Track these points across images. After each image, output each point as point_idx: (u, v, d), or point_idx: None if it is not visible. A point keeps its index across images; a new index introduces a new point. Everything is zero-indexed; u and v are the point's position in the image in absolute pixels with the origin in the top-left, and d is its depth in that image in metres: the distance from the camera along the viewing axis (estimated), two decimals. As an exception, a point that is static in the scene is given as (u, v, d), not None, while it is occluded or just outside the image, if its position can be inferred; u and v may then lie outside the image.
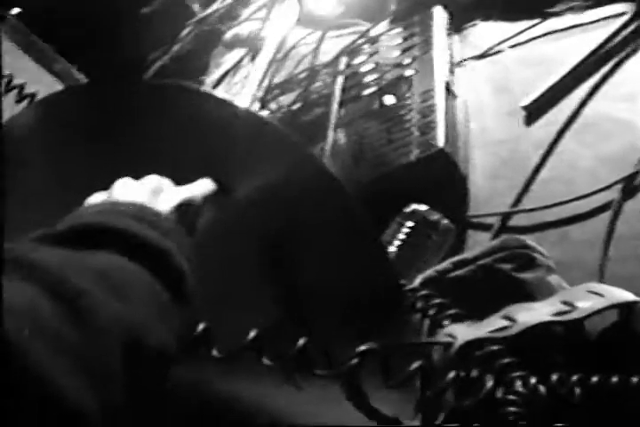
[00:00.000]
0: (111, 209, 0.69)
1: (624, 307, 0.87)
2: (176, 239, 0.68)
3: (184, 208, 0.78)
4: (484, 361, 0.82)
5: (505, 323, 0.86)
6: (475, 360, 0.83)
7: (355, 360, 0.76)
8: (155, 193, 0.77)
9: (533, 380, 0.79)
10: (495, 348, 0.82)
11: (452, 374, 0.79)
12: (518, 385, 0.79)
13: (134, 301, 0.57)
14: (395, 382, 0.78)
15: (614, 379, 0.80)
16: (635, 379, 0.79)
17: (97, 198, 0.76)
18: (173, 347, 0.60)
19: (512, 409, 0.77)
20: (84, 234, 0.62)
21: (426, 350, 0.88)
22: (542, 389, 0.79)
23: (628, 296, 0.87)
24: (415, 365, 0.78)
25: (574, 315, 0.85)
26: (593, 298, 0.88)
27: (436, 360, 0.87)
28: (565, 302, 0.88)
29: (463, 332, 0.86)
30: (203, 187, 0.86)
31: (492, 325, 0.87)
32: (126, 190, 0.76)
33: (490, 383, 0.79)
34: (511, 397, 0.78)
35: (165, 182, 0.81)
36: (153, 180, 0.80)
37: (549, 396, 0.79)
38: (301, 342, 0.77)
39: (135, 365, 0.53)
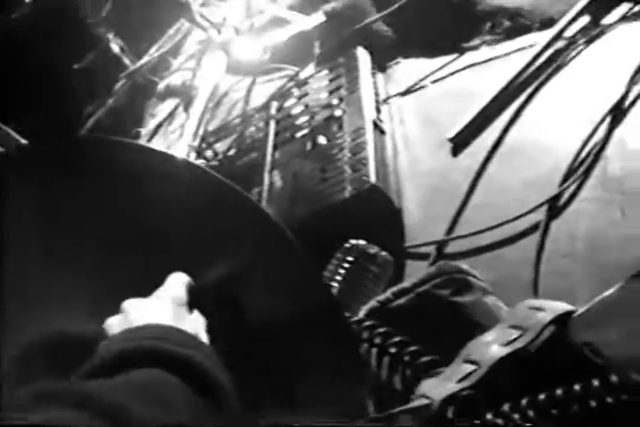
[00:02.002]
0: (147, 335, 0.75)
1: (562, 318, 0.91)
2: (204, 351, 0.75)
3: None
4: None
5: (469, 368, 0.90)
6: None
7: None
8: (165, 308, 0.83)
9: (489, 416, 0.84)
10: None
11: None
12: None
13: (173, 408, 0.65)
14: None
15: (558, 391, 0.84)
16: (576, 387, 0.83)
17: (115, 323, 0.80)
18: None
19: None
20: (133, 358, 0.70)
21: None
22: (499, 421, 0.83)
23: (565, 306, 0.92)
24: None
25: (526, 337, 0.89)
26: (536, 314, 0.92)
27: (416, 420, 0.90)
28: (514, 327, 0.92)
29: (436, 389, 0.89)
30: (178, 283, 0.88)
31: (458, 373, 0.90)
32: (140, 313, 0.81)
33: None
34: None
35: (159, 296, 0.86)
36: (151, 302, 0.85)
37: (507, 425, 0.83)
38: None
39: None
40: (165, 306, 0.82)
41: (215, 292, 0.94)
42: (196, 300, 0.88)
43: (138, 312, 0.81)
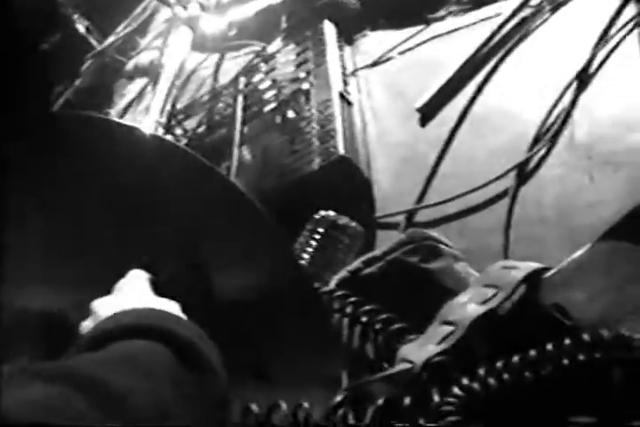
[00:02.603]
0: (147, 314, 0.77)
1: (534, 275, 0.91)
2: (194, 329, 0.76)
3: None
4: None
5: (447, 329, 0.90)
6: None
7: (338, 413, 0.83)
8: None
9: (465, 381, 0.84)
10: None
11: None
12: (456, 391, 0.83)
13: (155, 375, 0.65)
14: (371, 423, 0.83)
15: (532, 353, 0.84)
16: (549, 346, 0.83)
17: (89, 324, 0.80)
18: (197, 413, 0.67)
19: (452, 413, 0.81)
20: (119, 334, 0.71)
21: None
22: (475, 386, 0.83)
23: (537, 265, 0.93)
24: (379, 402, 0.84)
25: (502, 295, 0.90)
26: (510, 272, 0.93)
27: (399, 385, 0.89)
28: (488, 285, 0.93)
29: (416, 353, 0.89)
30: (139, 278, 0.88)
31: (437, 335, 0.90)
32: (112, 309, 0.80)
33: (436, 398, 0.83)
34: (450, 400, 0.82)
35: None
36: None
37: (483, 390, 0.83)
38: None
39: None
40: (133, 297, 0.83)
41: (185, 270, 0.94)
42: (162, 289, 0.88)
43: (109, 310, 0.80)
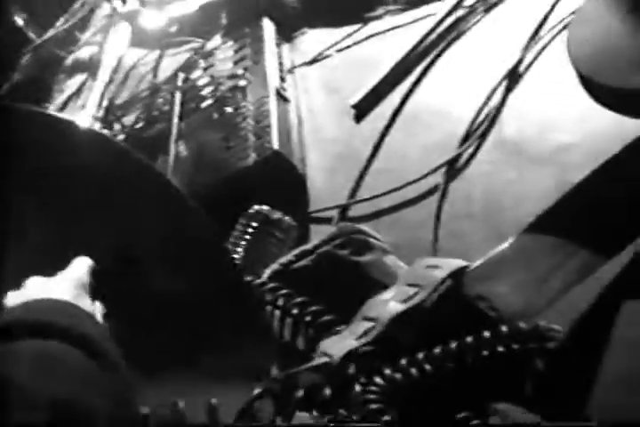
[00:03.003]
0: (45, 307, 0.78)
1: (457, 273, 0.93)
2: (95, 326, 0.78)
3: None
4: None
5: (368, 325, 0.92)
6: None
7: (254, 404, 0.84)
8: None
9: (388, 371, 0.86)
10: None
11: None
12: (378, 380, 0.85)
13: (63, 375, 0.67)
14: (288, 414, 0.85)
15: (452, 345, 0.86)
16: (469, 338, 0.85)
17: (14, 297, 0.82)
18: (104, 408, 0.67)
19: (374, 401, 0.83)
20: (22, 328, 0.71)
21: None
22: (398, 376, 0.85)
23: (459, 263, 0.95)
24: (299, 393, 0.86)
25: (422, 294, 0.92)
26: (432, 272, 0.95)
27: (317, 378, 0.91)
28: (410, 285, 0.95)
29: (336, 347, 0.91)
30: (81, 267, 0.89)
31: (357, 330, 0.92)
32: (40, 289, 0.83)
33: (357, 387, 0.85)
34: (373, 389, 0.84)
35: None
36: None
37: (405, 379, 0.85)
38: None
39: None
40: (65, 285, 0.84)
41: (117, 264, 0.94)
42: (99, 280, 0.89)
43: (37, 289, 0.83)
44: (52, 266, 0.88)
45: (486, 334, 0.86)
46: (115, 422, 0.67)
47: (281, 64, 1.48)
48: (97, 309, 0.86)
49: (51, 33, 1.91)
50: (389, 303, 0.94)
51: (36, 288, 0.83)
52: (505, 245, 0.96)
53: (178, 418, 0.83)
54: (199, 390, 0.89)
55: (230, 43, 1.57)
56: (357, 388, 0.85)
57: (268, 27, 1.54)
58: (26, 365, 0.66)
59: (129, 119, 1.62)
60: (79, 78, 1.87)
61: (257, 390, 0.87)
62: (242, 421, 0.85)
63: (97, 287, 0.88)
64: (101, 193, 0.94)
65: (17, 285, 0.85)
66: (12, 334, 0.69)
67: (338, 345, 0.92)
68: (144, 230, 0.96)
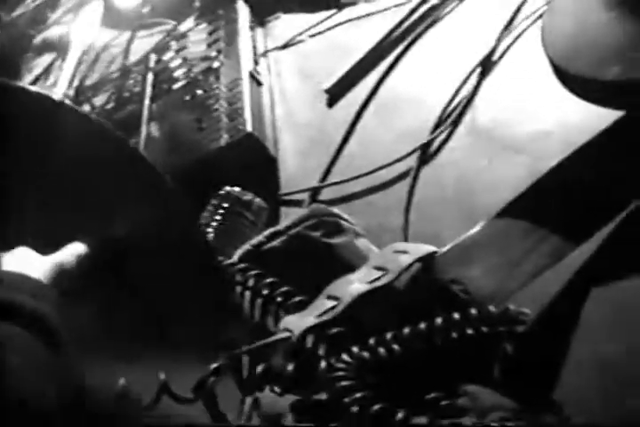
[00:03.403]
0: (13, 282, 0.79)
1: (425, 258, 0.94)
2: (51, 302, 0.77)
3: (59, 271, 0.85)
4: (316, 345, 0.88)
5: (330, 303, 0.92)
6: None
7: (211, 380, 0.83)
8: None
9: (355, 349, 0.86)
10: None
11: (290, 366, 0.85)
12: (345, 357, 0.85)
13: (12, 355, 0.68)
14: (248, 389, 0.85)
15: (421, 326, 0.87)
16: (438, 320, 0.86)
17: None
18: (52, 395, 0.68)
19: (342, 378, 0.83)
20: None
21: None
22: (365, 354, 0.85)
23: (428, 248, 0.95)
24: (260, 368, 0.85)
25: (388, 277, 0.92)
26: (400, 257, 0.95)
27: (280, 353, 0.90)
28: (377, 268, 0.95)
29: (296, 323, 0.91)
30: (73, 250, 0.89)
31: (319, 308, 0.92)
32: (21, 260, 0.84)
33: (323, 364, 0.85)
34: (340, 366, 0.84)
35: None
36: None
37: (373, 358, 0.85)
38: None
39: None
40: (44, 264, 0.84)
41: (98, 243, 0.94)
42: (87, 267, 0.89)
43: (20, 259, 0.83)
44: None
45: (456, 316, 0.86)
46: (62, 407, 0.68)
47: (254, 47, 1.48)
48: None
49: (20, 11, 1.89)
50: (353, 284, 0.94)
51: (19, 258, 0.84)
52: (477, 229, 0.97)
53: (162, 389, 0.82)
54: (160, 367, 0.88)
55: (204, 25, 1.56)
56: (323, 364, 0.85)
57: (243, 9, 1.54)
58: None
59: (99, 100, 1.62)
60: (48, 58, 1.85)
61: (213, 365, 0.87)
62: (198, 395, 0.84)
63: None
64: (74, 167, 0.93)
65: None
66: None
67: (298, 322, 0.92)
68: (118, 208, 0.95)
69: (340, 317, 0.89)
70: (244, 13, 1.53)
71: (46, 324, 0.73)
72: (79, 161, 0.93)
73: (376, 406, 0.80)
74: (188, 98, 1.40)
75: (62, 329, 0.75)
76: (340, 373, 0.83)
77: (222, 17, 1.54)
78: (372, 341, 0.87)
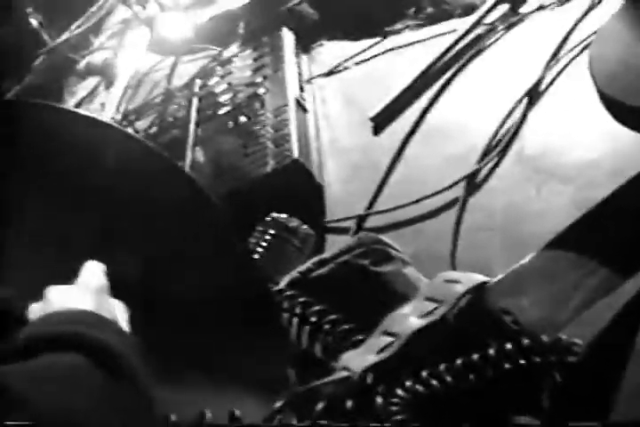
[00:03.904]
0: (65, 319, 0.78)
1: (477, 289, 0.93)
2: (119, 335, 0.77)
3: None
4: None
5: (387, 339, 0.92)
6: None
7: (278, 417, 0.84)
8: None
9: (408, 382, 0.86)
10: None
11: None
12: (400, 392, 0.85)
13: (82, 391, 0.67)
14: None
15: (474, 357, 0.86)
16: (491, 350, 0.86)
17: (37, 309, 0.82)
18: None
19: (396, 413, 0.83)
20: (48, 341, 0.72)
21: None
22: (419, 387, 0.85)
23: (479, 278, 0.94)
24: (321, 405, 0.85)
25: (442, 310, 0.92)
26: (452, 287, 0.95)
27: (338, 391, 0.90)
28: (430, 299, 0.95)
29: (355, 361, 0.91)
30: (96, 272, 0.88)
31: (376, 345, 0.92)
32: (62, 299, 0.82)
33: (379, 399, 0.85)
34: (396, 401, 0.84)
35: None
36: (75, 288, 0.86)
37: (427, 390, 0.85)
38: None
39: None
40: (86, 293, 0.83)
41: (136, 263, 0.94)
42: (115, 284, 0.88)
43: (59, 299, 0.82)
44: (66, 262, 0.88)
45: (508, 346, 0.86)
46: None
47: (300, 74, 1.49)
48: (120, 311, 0.85)
49: (65, 36, 1.91)
50: (409, 318, 0.93)
51: (58, 299, 0.82)
52: (527, 259, 0.96)
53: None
54: (218, 399, 0.88)
55: (248, 51, 1.58)
56: (379, 400, 0.85)
57: (288, 36, 1.55)
58: (42, 383, 0.66)
59: (142, 124, 1.63)
60: (91, 82, 1.88)
61: (278, 403, 0.87)
62: None
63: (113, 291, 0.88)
64: (123, 189, 0.94)
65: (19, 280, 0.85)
66: (29, 350, 0.70)
67: (358, 359, 0.91)
68: (163, 229, 0.96)
69: (399, 353, 0.89)
70: (289, 40, 1.54)
71: (109, 352, 0.72)
72: (125, 181, 0.94)
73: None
74: (233, 123, 1.41)
75: (131, 357, 0.74)
76: (396, 407, 0.83)
77: (267, 44, 1.56)
78: (424, 373, 0.87)
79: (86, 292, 0.84)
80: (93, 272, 0.87)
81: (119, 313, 0.84)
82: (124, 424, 0.68)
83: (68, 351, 0.70)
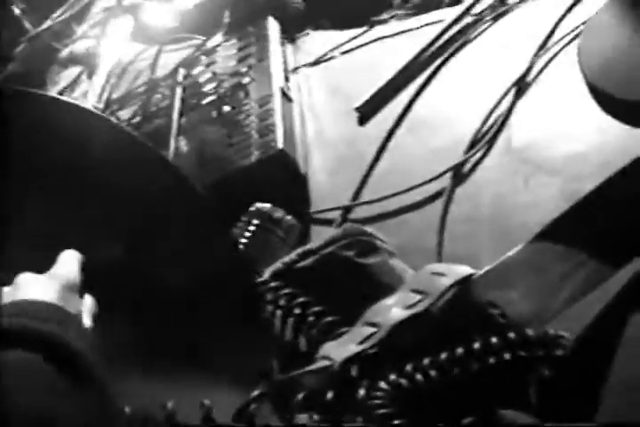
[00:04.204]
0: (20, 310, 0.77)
1: (463, 281, 0.92)
2: (77, 330, 0.77)
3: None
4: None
5: (369, 330, 0.91)
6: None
7: (252, 407, 0.82)
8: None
9: (393, 376, 0.84)
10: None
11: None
12: (383, 385, 0.84)
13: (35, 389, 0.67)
14: (288, 417, 0.83)
15: (459, 351, 0.85)
16: (476, 344, 0.85)
17: (5, 293, 0.82)
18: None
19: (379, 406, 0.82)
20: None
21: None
22: (403, 381, 0.84)
23: (465, 270, 0.93)
24: (300, 395, 0.84)
25: (427, 302, 0.90)
26: (438, 279, 0.93)
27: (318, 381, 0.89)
28: (415, 291, 0.93)
29: (337, 351, 0.90)
30: (71, 263, 0.87)
31: (358, 335, 0.91)
32: (30, 288, 0.82)
33: (361, 392, 0.83)
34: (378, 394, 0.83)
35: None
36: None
37: (411, 384, 0.84)
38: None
39: None
40: (54, 284, 0.83)
41: (119, 253, 0.93)
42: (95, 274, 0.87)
43: (26, 287, 0.82)
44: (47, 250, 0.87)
45: (494, 340, 0.85)
46: None
47: (285, 64, 1.47)
48: (86, 307, 0.84)
49: (47, 24, 1.89)
50: (392, 309, 0.92)
51: (26, 287, 0.82)
52: (514, 251, 0.95)
53: (169, 419, 0.81)
54: (193, 390, 0.87)
55: (233, 41, 1.56)
56: (361, 392, 0.84)
57: (273, 26, 1.54)
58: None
59: (125, 113, 1.61)
60: (74, 71, 1.85)
61: (255, 392, 0.86)
62: (238, 422, 0.83)
63: (88, 281, 0.86)
64: (106, 177, 0.93)
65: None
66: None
67: (339, 349, 0.90)
68: (148, 220, 0.94)
69: (381, 344, 0.87)
70: (274, 29, 1.53)
71: (59, 347, 0.72)
72: (108, 169, 0.92)
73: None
74: (217, 113, 1.39)
75: (86, 352, 0.73)
76: (378, 400, 0.81)
77: (252, 33, 1.54)
78: (408, 367, 0.86)
79: (55, 283, 0.83)
80: (68, 263, 0.87)
81: (85, 308, 0.84)
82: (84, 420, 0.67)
83: (17, 346, 0.70)
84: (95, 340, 0.78)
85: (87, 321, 0.82)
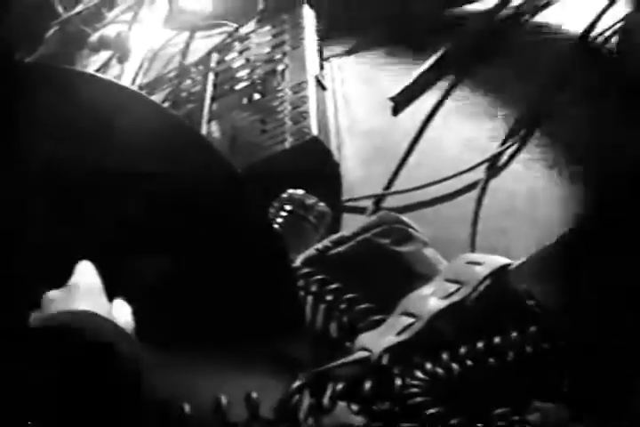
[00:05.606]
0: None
1: (499, 271, 0.92)
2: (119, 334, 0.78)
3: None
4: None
5: (408, 320, 0.90)
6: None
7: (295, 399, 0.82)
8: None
9: (428, 365, 0.84)
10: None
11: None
12: (420, 374, 0.84)
13: None
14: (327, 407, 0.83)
15: (496, 340, 0.85)
16: (514, 334, 0.84)
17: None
18: None
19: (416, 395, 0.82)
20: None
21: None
22: (439, 370, 0.84)
23: (502, 260, 0.93)
24: (341, 386, 0.84)
25: (464, 291, 0.90)
26: (474, 268, 0.93)
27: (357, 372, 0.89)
28: (451, 280, 0.93)
29: (375, 342, 0.90)
30: (88, 272, 0.87)
31: (396, 325, 0.91)
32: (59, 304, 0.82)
33: (398, 381, 0.83)
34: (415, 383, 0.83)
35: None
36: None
37: (447, 373, 0.84)
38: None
39: None
40: (81, 295, 0.83)
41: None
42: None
43: (56, 304, 0.82)
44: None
45: (532, 329, 0.85)
46: None
47: (320, 52, 1.47)
48: (120, 310, 0.84)
49: (79, 8, 1.89)
50: (429, 299, 0.92)
51: (55, 304, 0.82)
52: (549, 243, 0.95)
53: (221, 413, 0.81)
54: (234, 383, 0.87)
55: (267, 28, 1.56)
56: (398, 382, 0.84)
57: (309, 14, 1.53)
58: None
59: (156, 98, 1.60)
60: (103, 56, 1.85)
61: (295, 384, 0.85)
62: (280, 414, 0.83)
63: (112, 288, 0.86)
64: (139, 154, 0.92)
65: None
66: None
67: (377, 340, 0.90)
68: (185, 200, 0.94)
69: (419, 334, 0.87)
70: (309, 18, 1.52)
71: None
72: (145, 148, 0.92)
73: (450, 422, 0.79)
74: (250, 99, 1.39)
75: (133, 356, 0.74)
76: (415, 389, 0.81)
77: (287, 21, 1.54)
78: (445, 356, 0.86)
79: (80, 294, 0.83)
80: (86, 273, 0.86)
81: (118, 311, 0.84)
82: None
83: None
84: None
85: (128, 326, 0.82)
